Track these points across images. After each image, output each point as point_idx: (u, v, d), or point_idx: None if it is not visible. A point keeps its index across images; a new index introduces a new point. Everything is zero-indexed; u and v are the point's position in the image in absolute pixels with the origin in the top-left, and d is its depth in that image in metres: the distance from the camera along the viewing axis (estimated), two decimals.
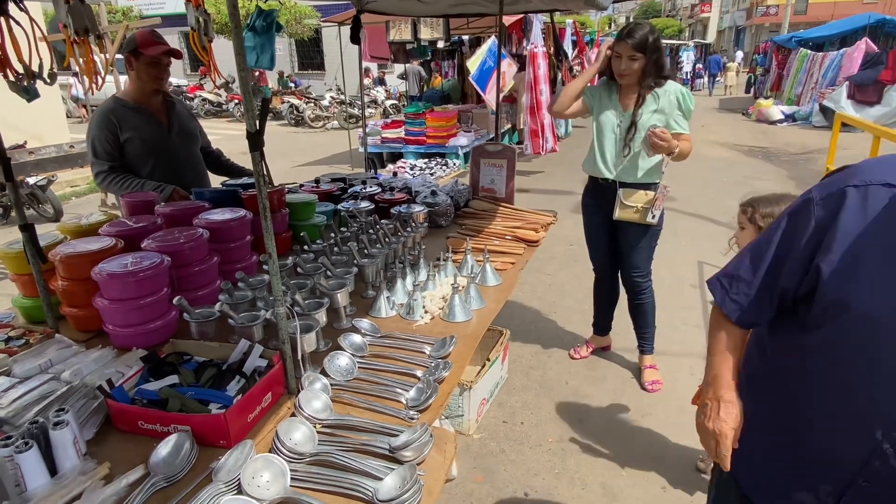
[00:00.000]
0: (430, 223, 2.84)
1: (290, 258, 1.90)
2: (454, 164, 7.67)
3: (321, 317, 1.63)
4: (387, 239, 2.25)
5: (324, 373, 1.53)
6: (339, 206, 2.77)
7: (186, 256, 1.86)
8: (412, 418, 1.36)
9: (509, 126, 10.47)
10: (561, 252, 4.87)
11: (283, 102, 15.86)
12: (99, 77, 2.45)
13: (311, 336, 1.52)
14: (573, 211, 6.23)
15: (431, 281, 1.98)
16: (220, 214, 2.15)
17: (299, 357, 1.47)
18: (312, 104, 15.49)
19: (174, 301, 1.53)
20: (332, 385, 1.48)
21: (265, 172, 1.29)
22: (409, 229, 2.40)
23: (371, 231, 2.35)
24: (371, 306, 1.90)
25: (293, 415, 1.37)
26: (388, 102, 15.79)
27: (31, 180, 6.25)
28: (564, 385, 3.00)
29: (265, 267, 1.97)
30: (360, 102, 15.63)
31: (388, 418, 1.37)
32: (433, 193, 2.90)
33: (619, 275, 2.98)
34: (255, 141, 1.30)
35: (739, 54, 30.29)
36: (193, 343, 1.53)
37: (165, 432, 1.30)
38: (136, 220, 2.15)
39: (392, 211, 2.69)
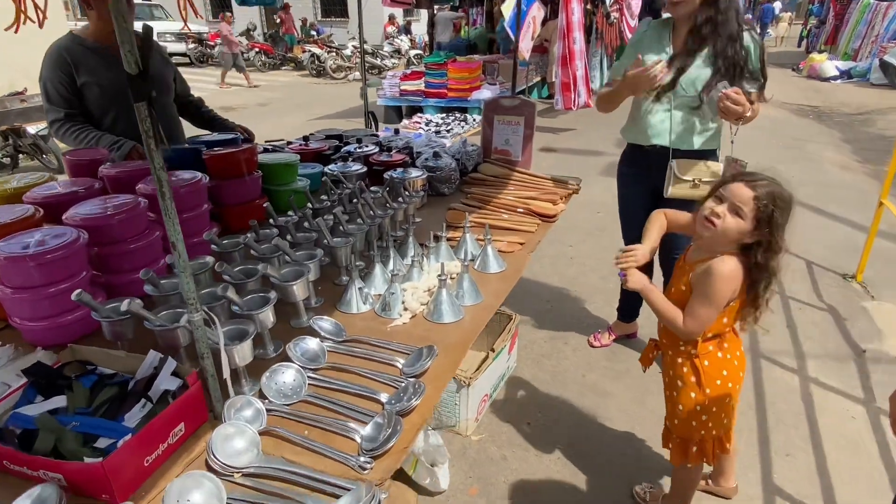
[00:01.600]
0: (431, 191, 2.45)
1: (242, 237, 1.54)
2: (475, 121, 7.15)
3: (267, 317, 1.29)
4: (371, 212, 1.88)
5: (264, 393, 1.19)
6: (325, 169, 2.39)
7: (116, 232, 1.53)
8: (363, 468, 1.02)
9: (539, 79, 9.80)
10: (586, 220, 4.41)
11: (304, 51, 15.28)
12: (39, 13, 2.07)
13: (244, 346, 1.17)
14: (603, 174, 5.72)
15: (417, 268, 1.61)
16: (171, 177, 1.79)
17: (227, 375, 1.13)
18: (334, 54, 14.89)
19: (73, 296, 1.19)
20: (268, 411, 1.15)
21: (155, 130, 0.92)
22: (400, 199, 2.02)
23: (356, 201, 1.98)
24: (340, 299, 1.55)
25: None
26: (413, 53, 15.08)
27: (32, 130, 6.01)
28: (581, 378, 2.64)
29: (214, 247, 1.62)
30: (383, 52, 14.99)
31: (332, 465, 1.03)
32: (436, 156, 2.50)
33: (658, 256, 2.54)
34: (139, 87, 0.93)
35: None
36: (97, 350, 1.20)
37: (38, 477, 0.99)
38: (68, 184, 1.82)
39: (385, 176, 2.30)
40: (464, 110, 7.75)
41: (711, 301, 1.50)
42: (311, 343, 1.33)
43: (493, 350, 2.32)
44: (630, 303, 2.83)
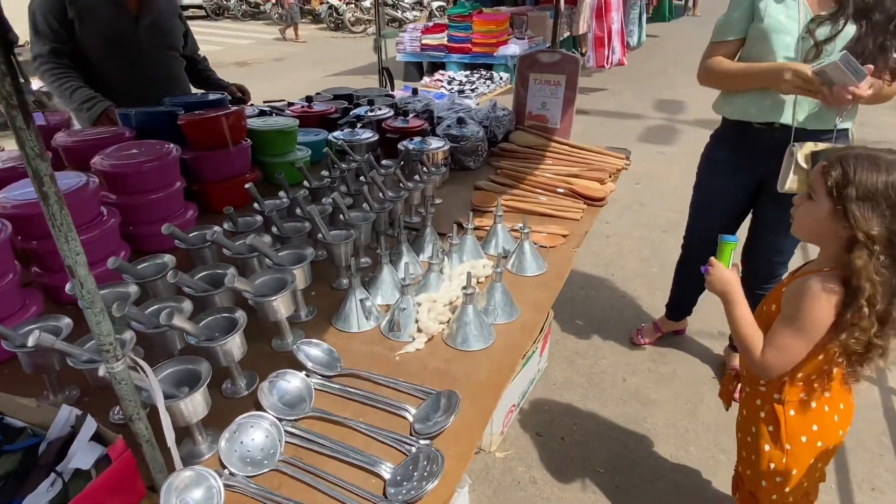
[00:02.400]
0: (454, 164, 2.08)
1: (209, 230, 1.20)
2: (501, 79, 6.64)
3: (232, 348, 0.96)
4: (380, 195, 1.52)
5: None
6: (329, 137, 2.03)
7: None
8: None
9: (567, 34, 9.12)
10: (623, 193, 3.97)
11: (322, 3, 14.60)
12: None
13: (194, 399, 0.85)
14: (641, 139, 5.24)
15: (435, 272, 1.26)
16: (130, 150, 1.46)
17: (171, 442, 0.81)
18: (353, 5, 14.18)
19: None
20: (227, 486, 0.83)
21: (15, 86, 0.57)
22: (416, 177, 1.65)
23: (363, 178, 1.62)
24: (337, 312, 1.21)
25: None
26: (436, 4, 14.30)
27: (35, 86, 5.68)
28: (621, 383, 2.30)
29: (226, 225, 1.29)
30: (404, 3, 14.15)
31: None
32: (460, 122, 2.11)
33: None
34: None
35: None
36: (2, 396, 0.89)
37: None
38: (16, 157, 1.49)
39: (399, 147, 1.93)
40: (489, 67, 7.21)
41: (799, 327, 1.13)
42: (294, 381, 1.01)
43: (523, 356, 1.98)
44: (683, 300, 2.42)
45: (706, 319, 2.60)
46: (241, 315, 1.00)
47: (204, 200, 1.71)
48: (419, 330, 1.14)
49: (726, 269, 1.24)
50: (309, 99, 2.32)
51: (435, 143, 1.94)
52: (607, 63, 7.33)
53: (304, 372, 1.04)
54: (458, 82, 6.28)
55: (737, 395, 1.52)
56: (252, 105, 2.41)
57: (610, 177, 1.97)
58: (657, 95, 6.68)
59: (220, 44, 12.03)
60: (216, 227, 1.29)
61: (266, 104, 2.44)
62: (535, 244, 1.48)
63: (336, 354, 1.09)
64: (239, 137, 1.74)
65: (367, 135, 2.02)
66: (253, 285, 1.04)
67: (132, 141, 1.55)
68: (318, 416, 0.96)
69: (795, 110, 1.69)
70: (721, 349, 2.45)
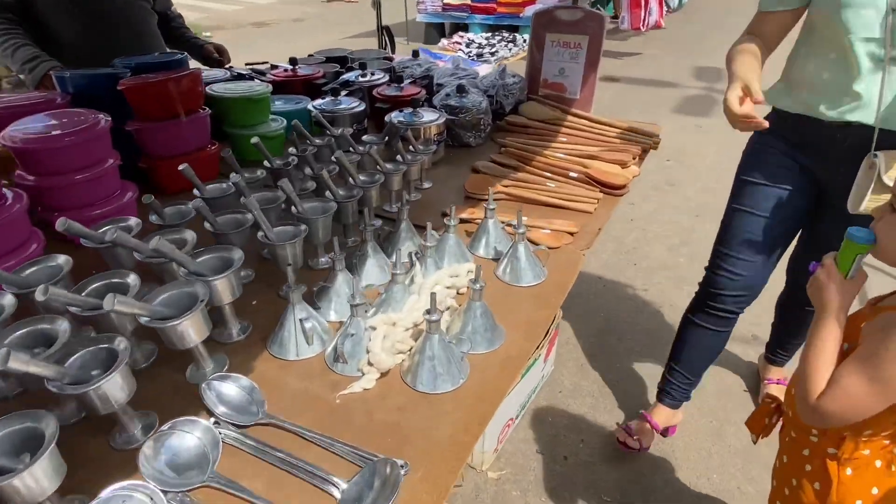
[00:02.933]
0: (452, 140, 1.79)
1: (104, 229, 0.95)
2: (524, 42, 6.20)
3: (110, 390, 0.73)
4: (352, 180, 1.25)
5: None
6: (310, 107, 1.76)
7: None
8: None
9: None
10: (651, 170, 3.60)
11: None
12: None
13: (33, 474, 0.62)
14: (677, 110, 4.81)
15: (399, 285, 1.00)
16: (49, 121, 1.22)
17: None
18: None
19: None
20: None
21: None
22: (398, 158, 1.38)
23: (332, 162, 1.35)
24: (272, 334, 0.97)
25: None
26: None
27: None
28: (639, 393, 2.03)
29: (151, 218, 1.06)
30: None
31: None
32: (460, 91, 1.81)
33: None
34: None
35: None
36: None
37: None
38: None
39: (386, 119, 1.65)
40: (514, 29, 6.77)
41: (877, 375, 0.85)
42: (195, 431, 0.77)
43: None
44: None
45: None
46: (123, 345, 0.76)
47: (154, 181, 1.48)
48: (370, 363, 0.88)
49: (843, 275, 0.94)
50: (293, 62, 2.05)
51: (428, 116, 1.65)
52: (643, 25, 6.82)
53: (211, 419, 0.80)
54: (476, 45, 5.88)
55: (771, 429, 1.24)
56: (231, 68, 2.15)
57: (634, 159, 1.66)
58: (696, 62, 6.16)
59: (242, 3, 11.71)
60: (133, 221, 1.06)
61: (248, 66, 2.18)
62: (535, 245, 1.21)
63: (258, 395, 0.85)
64: (194, 105, 1.49)
65: (352, 104, 1.74)
66: (149, 306, 0.80)
67: (59, 109, 1.30)
68: (216, 486, 0.73)
69: (880, 107, 1.23)
70: (755, 355, 2.15)
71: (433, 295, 0.84)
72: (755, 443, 1.29)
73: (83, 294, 0.87)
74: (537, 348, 1.78)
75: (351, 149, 1.45)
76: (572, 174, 1.57)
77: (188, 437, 0.77)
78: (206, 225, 1.06)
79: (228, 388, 0.84)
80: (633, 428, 1.78)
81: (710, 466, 1.76)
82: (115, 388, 0.74)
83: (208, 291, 0.85)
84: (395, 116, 1.64)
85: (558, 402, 1.98)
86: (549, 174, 1.57)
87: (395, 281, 0.99)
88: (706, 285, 1.62)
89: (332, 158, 1.25)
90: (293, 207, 1.10)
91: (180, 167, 1.13)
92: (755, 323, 2.23)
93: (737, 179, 1.57)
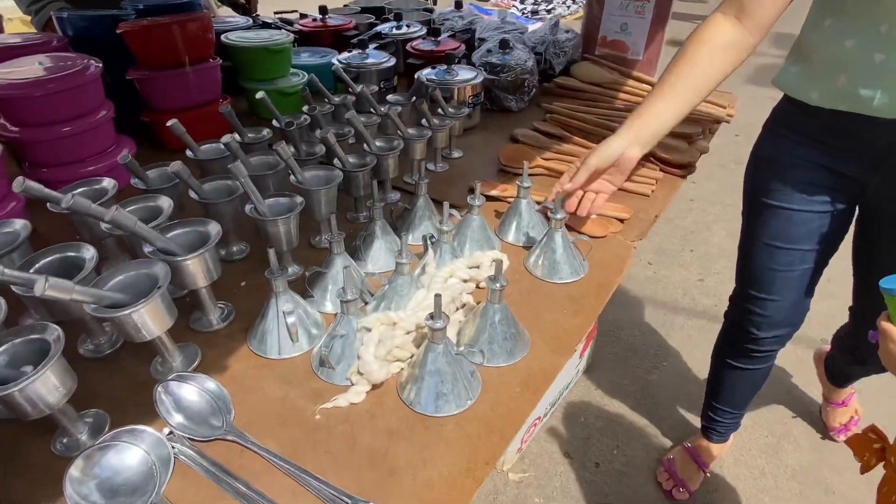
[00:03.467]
0: (492, 104, 1.59)
1: (68, 193, 0.82)
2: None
3: (44, 389, 0.60)
4: (365, 146, 1.08)
5: None
6: (335, 60, 1.58)
7: None
8: None
9: None
10: (717, 147, 3.25)
11: None
12: None
13: None
14: (749, 80, 4.36)
15: (404, 277, 0.83)
16: (33, 65, 1.09)
17: None
18: None
19: None
20: None
21: None
22: (423, 122, 1.19)
23: (346, 127, 1.17)
24: (253, 326, 0.82)
25: None
26: None
27: None
28: (685, 397, 1.83)
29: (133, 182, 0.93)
30: None
31: None
32: (504, 46, 1.59)
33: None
34: None
35: None
36: None
37: None
38: None
39: (416, 77, 1.46)
40: None
41: None
42: (139, 446, 0.64)
43: None
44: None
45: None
46: (56, 335, 0.63)
47: (157, 136, 1.35)
48: (360, 373, 0.73)
49: None
50: (323, 10, 1.86)
51: (463, 75, 1.45)
52: None
53: (166, 430, 0.67)
54: (531, 1, 5.49)
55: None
56: (257, 16, 1.99)
57: (703, 133, 1.42)
58: (776, 28, 5.57)
59: None
60: (108, 182, 0.93)
61: (276, 14, 2.01)
62: (575, 233, 1.01)
63: (226, 402, 0.71)
64: (203, 54, 1.34)
65: (381, 59, 1.56)
66: (95, 291, 0.66)
67: (48, 53, 1.17)
68: None
69: None
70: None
71: (438, 297, 0.67)
72: (863, 473, 1.08)
73: (32, 270, 0.74)
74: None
75: (371, 109, 1.27)
76: None
77: (132, 451, 0.63)
78: (191, 192, 0.91)
79: (189, 392, 0.70)
80: (676, 467, 1.56)
81: (763, 487, 1.56)
82: (46, 388, 0.61)
83: (170, 273, 0.71)
84: (425, 74, 1.44)
85: (594, 401, 1.80)
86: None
87: (399, 271, 0.82)
88: (737, 326, 1.33)
89: (345, 119, 1.07)
90: (291, 176, 0.94)
91: (169, 123, 0.98)
92: (826, 323, 1.96)
93: (753, 198, 1.19)
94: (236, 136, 1.10)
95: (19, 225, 0.82)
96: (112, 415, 0.71)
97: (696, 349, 1.99)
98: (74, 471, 0.60)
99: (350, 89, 1.34)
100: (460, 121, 1.30)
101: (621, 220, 1.10)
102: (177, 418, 0.68)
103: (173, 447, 0.66)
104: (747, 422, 1.71)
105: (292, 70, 1.58)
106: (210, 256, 0.78)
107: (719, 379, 1.43)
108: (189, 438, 0.67)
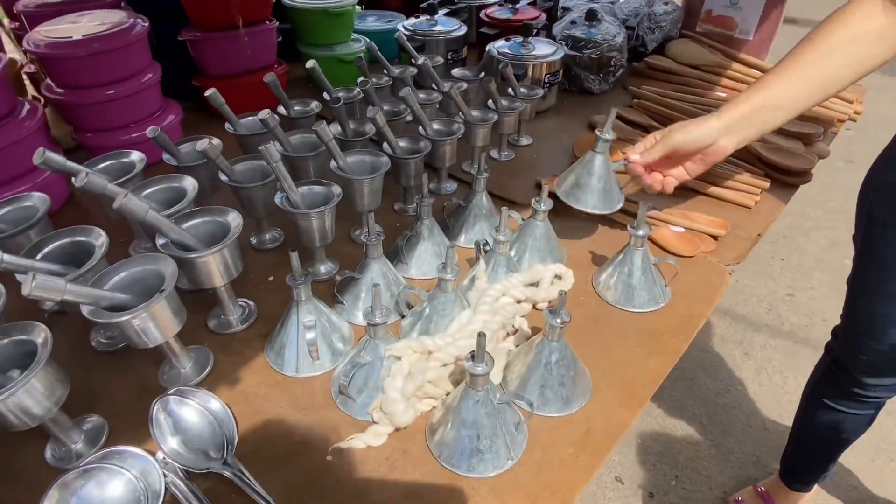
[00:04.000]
0: (571, 85, 1.41)
1: (84, 170, 0.73)
2: None
3: (30, 399, 0.53)
4: (421, 129, 0.95)
5: None
6: (400, 26, 1.45)
7: None
8: None
9: None
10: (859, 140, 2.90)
11: None
12: None
13: None
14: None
15: (446, 294, 0.70)
16: (77, 22, 1.02)
17: None
18: None
19: None
20: None
21: None
22: (489, 103, 1.04)
23: (402, 104, 1.04)
24: (270, 339, 0.72)
25: None
26: None
27: None
28: (762, 432, 1.62)
29: (165, 157, 0.85)
30: None
31: None
32: (590, 18, 1.39)
33: None
34: None
35: None
36: None
37: None
38: None
39: (487, 49, 1.30)
40: None
41: None
42: (129, 472, 0.55)
43: None
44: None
45: None
46: (42, 338, 0.55)
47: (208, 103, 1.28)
48: (383, 410, 0.62)
49: None
50: None
51: (541, 49, 1.27)
52: None
53: (159, 456, 0.59)
54: None
55: None
56: None
57: (823, 134, 1.19)
58: None
59: None
60: (136, 156, 0.85)
61: None
62: (663, 252, 0.85)
63: (229, 426, 0.62)
64: (258, 14, 1.23)
65: (450, 26, 1.40)
66: (91, 291, 0.57)
67: (96, 10, 1.10)
68: None
69: None
70: None
71: (482, 337, 0.54)
72: None
73: (39, 255, 0.67)
74: None
75: (433, 85, 1.13)
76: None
77: (120, 478, 0.56)
78: (221, 175, 0.82)
79: (190, 413, 0.62)
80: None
81: None
82: (32, 398, 0.54)
83: (177, 272, 0.62)
84: (497, 47, 1.28)
85: (653, 421, 1.63)
86: None
87: (441, 287, 0.70)
88: (840, 366, 1.12)
89: (399, 98, 0.94)
90: (332, 161, 0.83)
91: (207, 93, 0.89)
92: None
93: (872, 230, 0.96)
94: (280, 110, 1.00)
95: (37, 199, 0.75)
96: (111, 421, 0.65)
97: (777, 374, 1.76)
98: (50, 496, 0.52)
99: (413, 60, 1.20)
100: (532, 104, 1.13)
101: (715, 237, 0.92)
102: (171, 443, 0.59)
103: (165, 476, 0.57)
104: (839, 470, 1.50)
105: (354, 36, 1.46)
106: (229, 253, 0.69)
107: (812, 419, 1.23)
108: (182, 467, 0.58)
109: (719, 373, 1.77)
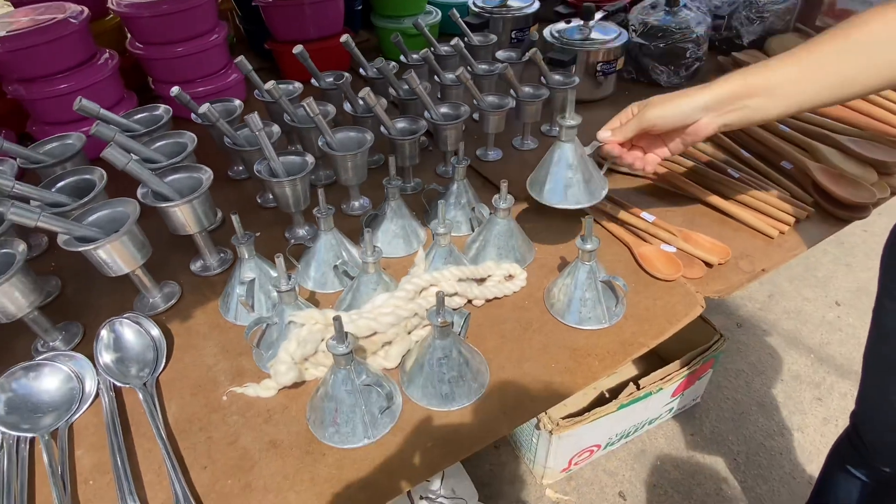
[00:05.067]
0: (635, 73, 1.32)
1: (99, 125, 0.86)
2: None
3: (6, 300, 0.67)
4: (427, 115, 0.97)
5: None
6: (472, 1, 1.44)
7: None
8: None
9: None
10: None
11: None
12: None
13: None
14: None
15: (371, 276, 0.73)
16: None
17: None
18: None
19: None
20: None
21: None
22: (529, 88, 1.03)
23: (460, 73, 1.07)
24: (224, 290, 0.81)
25: None
26: None
27: None
28: (804, 484, 1.44)
29: (262, 95, 0.99)
30: None
31: None
32: (672, 2, 1.26)
33: None
34: None
35: None
36: None
37: None
38: None
39: (545, 35, 1.25)
40: None
41: None
42: (68, 370, 0.69)
43: (637, 387, 1.31)
44: None
45: None
46: (21, 248, 0.69)
47: (278, 65, 1.40)
48: (288, 363, 0.68)
49: None
50: None
51: (600, 34, 1.20)
52: None
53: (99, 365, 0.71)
54: None
55: None
56: None
57: None
58: None
59: None
60: (163, 108, 0.97)
61: None
62: (633, 264, 0.80)
63: (161, 352, 0.72)
64: None
65: (522, 3, 1.37)
66: (67, 223, 0.70)
67: None
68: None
69: None
70: None
71: (338, 320, 0.57)
72: None
73: (54, 189, 0.82)
74: (665, 381, 1.33)
75: (469, 68, 1.13)
76: (786, 164, 1.00)
77: (60, 374, 0.69)
78: (226, 139, 0.92)
79: (131, 335, 0.73)
80: None
81: None
82: (9, 296, 0.68)
83: (138, 212, 0.73)
84: (555, 29, 1.23)
85: (680, 448, 1.52)
86: (742, 154, 1.03)
87: (364, 269, 0.73)
88: (868, 443, 0.94)
89: (402, 77, 0.96)
90: (321, 137, 0.89)
91: (295, 49, 1.00)
92: None
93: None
94: (300, 84, 1.08)
95: (75, 138, 0.91)
96: (88, 331, 0.78)
97: (834, 418, 1.52)
98: None
99: (464, 38, 1.20)
100: (566, 93, 1.08)
101: (708, 265, 0.83)
102: (106, 357, 0.71)
103: (99, 382, 0.70)
104: None
105: (428, 8, 1.48)
106: (199, 205, 0.78)
107: (831, 490, 1.07)
108: (112, 381, 0.70)
109: (777, 413, 1.58)
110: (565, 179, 0.81)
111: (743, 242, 0.87)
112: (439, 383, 0.65)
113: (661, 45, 1.23)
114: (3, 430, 0.64)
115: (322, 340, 0.68)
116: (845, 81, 0.63)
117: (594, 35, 1.20)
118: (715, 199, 0.93)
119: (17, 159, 0.87)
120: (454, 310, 0.75)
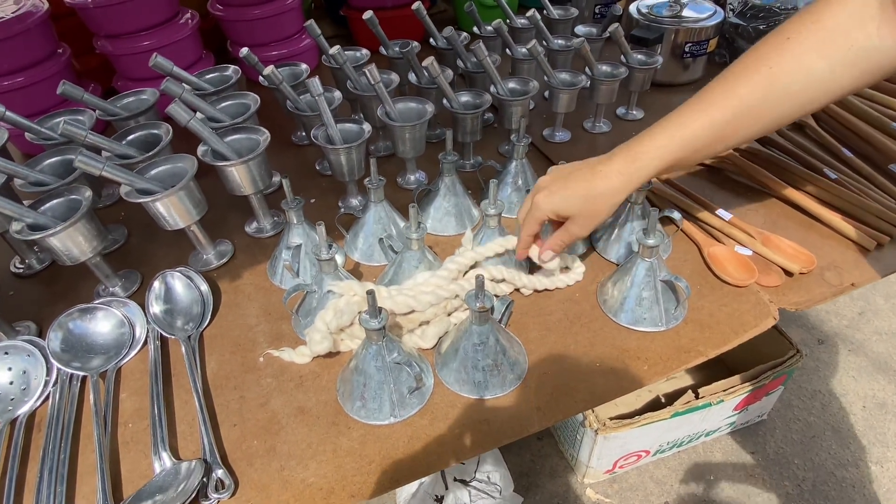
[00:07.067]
0: (729, 56, 1.21)
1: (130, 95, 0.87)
2: None
3: (71, 241, 0.71)
4: (493, 89, 0.93)
5: None
6: None
7: None
8: None
9: None
10: None
11: None
12: None
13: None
14: None
15: (415, 252, 0.71)
16: None
17: None
18: None
19: None
20: None
21: None
22: (607, 67, 0.96)
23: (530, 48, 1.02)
24: (273, 253, 0.82)
25: None
26: None
27: None
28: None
29: (329, 60, 1.01)
30: None
31: None
32: None
33: None
34: None
35: None
36: None
37: None
38: None
39: (632, 13, 1.16)
40: None
41: None
42: (121, 315, 0.71)
43: (697, 395, 1.23)
44: None
45: None
46: (87, 194, 0.72)
47: (352, 33, 1.39)
48: (322, 334, 0.67)
49: None
50: None
51: (692, 12, 1.10)
52: None
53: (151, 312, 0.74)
54: None
55: None
56: None
57: None
58: None
59: None
60: (232, 69, 0.99)
61: None
62: (702, 266, 0.73)
63: (207, 307, 0.74)
64: None
65: None
66: (129, 175, 0.72)
67: None
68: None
69: None
70: None
71: (371, 294, 0.55)
72: None
73: (125, 141, 0.85)
74: (726, 393, 1.23)
75: (544, 42, 1.07)
76: (895, 167, 0.88)
77: (113, 318, 0.72)
78: (288, 103, 0.92)
79: (183, 287, 0.75)
80: None
81: None
82: (72, 241, 0.71)
83: (195, 167, 0.74)
84: (643, 4, 1.14)
85: (741, 466, 1.42)
86: (843, 154, 0.91)
87: (408, 245, 0.71)
88: None
89: (471, 48, 0.92)
90: (380, 106, 0.86)
91: (365, 15, 0.99)
92: None
93: None
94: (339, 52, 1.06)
95: (150, 93, 0.94)
96: (147, 280, 0.81)
97: None
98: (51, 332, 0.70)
99: (542, 11, 1.14)
100: (646, 74, 1.00)
101: (789, 274, 0.75)
102: (155, 308, 0.73)
103: (149, 329, 0.72)
104: None
105: None
106: (255, 166, 0.79)
107: None
108: (160, 331, 0.72)
109: (855, 442, 1.44)
110: (626, 296, 0.71)
111: (832, 252, 0.77)
112: (473, 370, 0.62)
113: (762, 27, 1.11)
114: (59, 365, 0.68)
115: (359, 313, 0.67)
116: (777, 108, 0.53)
117: (686, 13, 1.10)
118: (804, 200, 0.83)
119: (97, 111, 0.91)
120: (497, 296, 0.72)
